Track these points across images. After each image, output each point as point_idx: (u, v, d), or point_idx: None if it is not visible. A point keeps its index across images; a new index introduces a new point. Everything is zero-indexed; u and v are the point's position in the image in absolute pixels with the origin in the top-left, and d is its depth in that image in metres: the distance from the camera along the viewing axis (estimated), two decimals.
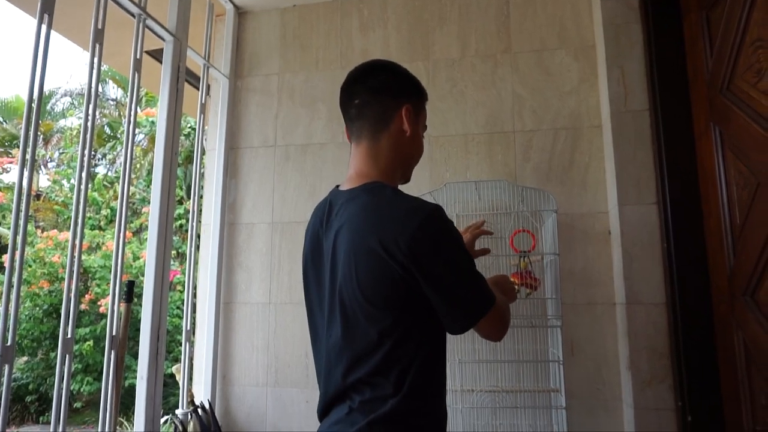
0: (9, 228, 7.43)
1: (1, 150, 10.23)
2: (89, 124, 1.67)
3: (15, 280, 1.40)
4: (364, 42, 2.40)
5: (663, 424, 1.77)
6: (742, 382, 1.56)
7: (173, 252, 6.88)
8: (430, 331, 1.01)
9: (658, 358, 1.81)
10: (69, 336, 1.54)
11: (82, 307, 6.46)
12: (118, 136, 9.50)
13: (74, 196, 1.61)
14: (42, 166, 10.35)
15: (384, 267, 0.95)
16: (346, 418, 0.98)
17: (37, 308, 6.70)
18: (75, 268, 1.58)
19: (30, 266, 6.50)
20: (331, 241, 1.04)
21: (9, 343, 1.37)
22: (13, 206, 1.43)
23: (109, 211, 7.79)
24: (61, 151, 9.18)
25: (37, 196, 10.09)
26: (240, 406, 2.26)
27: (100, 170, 9.69)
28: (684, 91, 1.84)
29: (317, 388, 2.15)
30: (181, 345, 2.27)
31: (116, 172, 9.03)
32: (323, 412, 1.05)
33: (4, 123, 10.74)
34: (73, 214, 1.61)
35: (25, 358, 7.14)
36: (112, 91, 10.58)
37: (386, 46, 2.36)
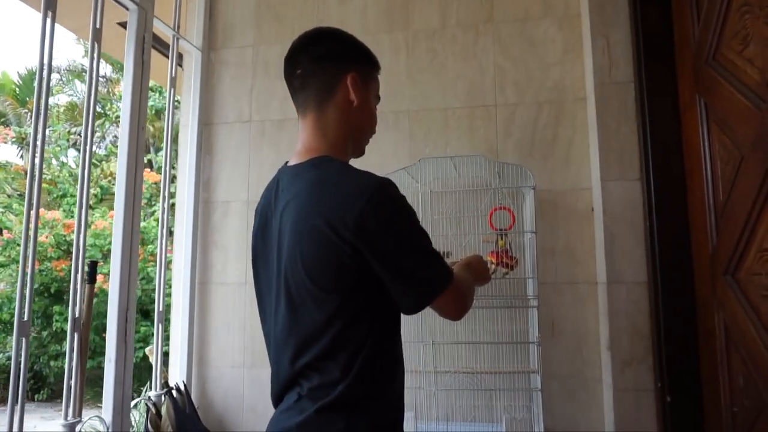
0: (2, 206, 7.34)
1: None
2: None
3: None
4: (341, 12, 2.30)
5: (642, 405, 1.74)
6: (721, 363, 1.52)
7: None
8: (381, 313, 0.95)
9: (639, 338, 1.77)
10: (26, 319, 1.48)
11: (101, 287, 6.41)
12: (108, 113, 9.36)
13: (27, 183, 1.54)
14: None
15: (330, 247, 0.89)
16: (294, 405, 0.93)
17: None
18: (31, 251, 1.52)
19: (18, 245, 6.44)
20: (278, 220, 0.98)
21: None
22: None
23: (99, 189, 7.71)
24: (49, 128, 9.05)
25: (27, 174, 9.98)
26: (217, 387, 2.22)
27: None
28: (670, 62, 1.76)
29: None
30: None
31: (106, 149, 8.91)
32: (277, 399, 1.01)
33: None
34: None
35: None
36: (102, 67, 10.38)
37: (363, 15, 2.26)
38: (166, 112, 2.17)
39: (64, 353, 6.65)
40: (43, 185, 8.15)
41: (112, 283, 1.80)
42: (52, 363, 6.66)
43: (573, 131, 2.03)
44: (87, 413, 1.79)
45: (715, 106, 1.53)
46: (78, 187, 1.72)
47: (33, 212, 1.52)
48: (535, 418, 1.68)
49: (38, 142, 1.55)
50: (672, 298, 1.69)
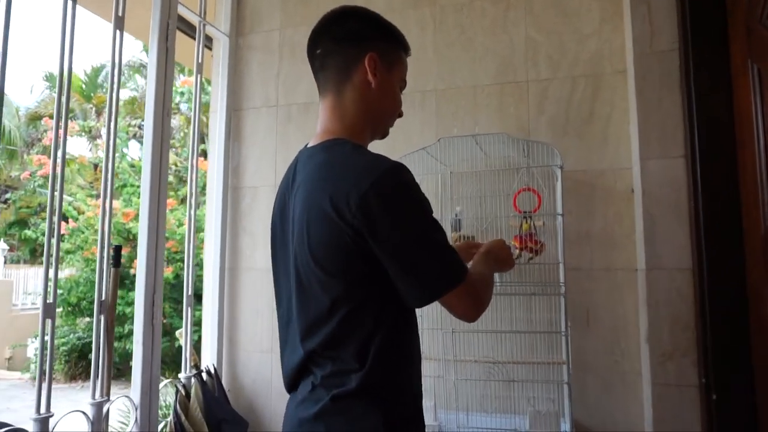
0: (75, 196, 7.79)
1: None
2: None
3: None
4: None
5: (685, 402, 1.60)
6: None
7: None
8: (392, 301, 0.90)
9: (681, 329, 1.62)
10: (51, 301, 1.53)
11: (132, 272, 6.73)
12: None
13: (50, 181, 1.58)
14: (98, 138, 10.79)
15: (335, 230, 0.86)
16: (309, 395, 0.92)
17: (94, 272, 7.07)
18: (55, 235, 1.56)
19: (83, 233, 6.82)
20: (293, 202, 0.96)
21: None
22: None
23: (114, 175, 8.01)
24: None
25: (95, 166, 10.57)
26: (246, 371, 2.24)
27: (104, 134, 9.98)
28: (720, 24, 1.58)
29: None
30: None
31: None
32: (291, 384, 0.99)
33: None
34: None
35: (87, 319, 7.60)
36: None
37: None
38: (194, 98, 2.19)
39: (126, 335, 7.05)
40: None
41: (138, 267, 1.83)
42: (116, 344, 7.06)
43: (611, 107, 1.88)
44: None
45: None
46: (102, 175, 1.76)
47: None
48: (562, 412, 1.58)
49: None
50: (720, 286, 1.54)
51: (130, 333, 6.92)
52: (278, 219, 1.04)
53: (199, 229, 6.68)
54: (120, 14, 1.78)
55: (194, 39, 2.40)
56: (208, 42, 2.39)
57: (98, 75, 11.40)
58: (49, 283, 1.53)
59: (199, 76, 2.19)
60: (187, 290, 2.11)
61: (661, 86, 1.69)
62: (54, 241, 1.56)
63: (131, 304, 6.77)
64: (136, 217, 7.08)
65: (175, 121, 9.17)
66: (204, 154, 9.25)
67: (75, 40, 1.63)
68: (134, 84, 11.43)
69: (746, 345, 1.49)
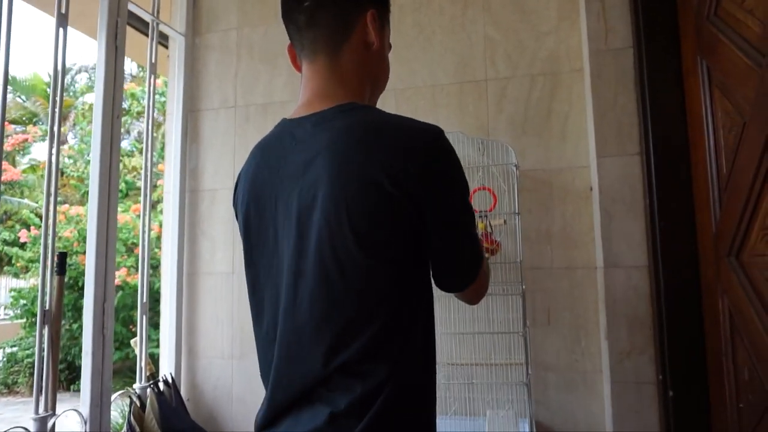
0: (38, 202, 7.57)
1: (23, 128, 10.41)
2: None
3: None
4: None
5: (643, 399, 1.60)
6: (726, 354, 1.37)
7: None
8: (427, 289, 0.80)
9: (638, 327, 1.63)
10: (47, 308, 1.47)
11: None
12: (129, 108, 9.49)
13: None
14: (62, 143, 10.49)
15: (389, 203, 0.72)
16: (328, 428, 0.72)
17: None
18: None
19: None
20: (296, 181, 0.78)
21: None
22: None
23: (123, 184, 7.84)
24: (78, 126, 9.28)
25: (61, 172, 10.28)
26: (206, 379, 2.18)
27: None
28: (672, 22, 1.59)
29: None
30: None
31: (130, 144, 9.04)
32: (283, 413, 0.78)
33: (25, 101, 10.90)
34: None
35: None
36: (126, 64, 10.55)
37: None
38: (147, 98, 2.12)
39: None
40: (71, 182, 8.36)
41: (87, 275, 1.76)
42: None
43: (569, 105, 1.88)
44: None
45: (717, 67, 1.37)
46: (45, 180, 1.68)
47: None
48: (519, 413, 1.56)
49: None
50: (674, 283, 1.54)
51: None
52: (254, 213, 0.85)
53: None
54: (63, 11, 1.71)
55: (145, 35, 2.33)
56: (164, 40, 2.32)
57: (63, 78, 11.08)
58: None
59: (152, 77, 2.12)
60: (142, 297, 2.05)
61: (617, 84, 1.69)
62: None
63: None
64: None
65: (141, 124, 8.99)
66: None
67: (13, 38, 1.56)
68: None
69: (701, 342, 1.49)
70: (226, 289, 2.19)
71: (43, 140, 10.00)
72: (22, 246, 6.90)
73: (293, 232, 0.78)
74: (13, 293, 6.79)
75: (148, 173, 2.09)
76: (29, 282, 7.16)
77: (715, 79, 1.39)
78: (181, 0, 2.31)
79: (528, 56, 1.93)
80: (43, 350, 1.61)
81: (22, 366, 7.65)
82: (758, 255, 1.19)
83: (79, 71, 10.98)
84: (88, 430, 1.71)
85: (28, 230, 6.65)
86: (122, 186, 7.74)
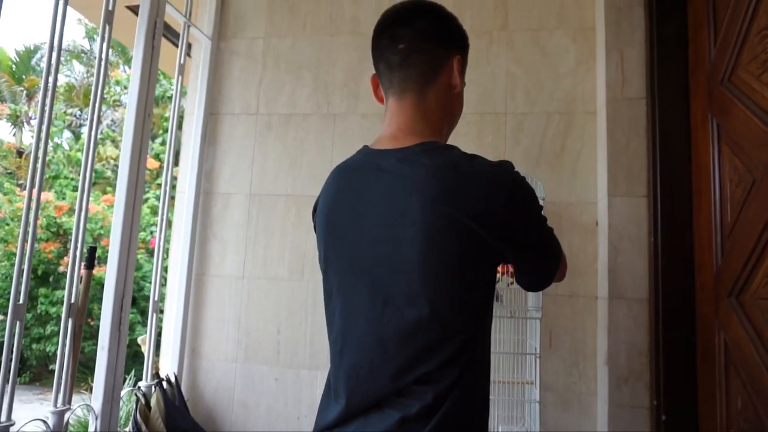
0: None
1: None
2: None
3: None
4: (354, 9, 2.28)
5: (637, 422, 1.73)
6: (720, 384, 1.52)
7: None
8: (491, 307, 0.91)
9: (636, 354, 1.77)
10: (21, 302, 1.45)
11: (61, 269, 6.34)
12: (105, 96, 9.26)
13: (31, 158, 1.51)
14: (25, 123, 10.08)
15: (469, 238, 0.82)
16: (398, 429, 0.80)
17: (13, 267, 6.58)
18: (31, 230, 1.49)
19: (8, 225, 6.36)
20: (379, 211, 0.87)
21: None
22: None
23: (93, 173, 7.62)
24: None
25: (19, 153, 9.86)
26: (208, 380, 2.19)
27: (86, 131, 9.46)
28: (683, 80, 1.76)
29: (288, 367, 2.05)
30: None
31: (102, 133, 8.80)
32: (342, 421, 0.87)
33: None
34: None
35: (0, 317, 7.05)
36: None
37: (377, 15, 2.23)
38: (173, 99, 2.14)
39: (47, 336, 6.59)
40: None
41: (109, 270, 1.77)
42: (34, 346, 6.60)
43: (581, 144, 2.03)
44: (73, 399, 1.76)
45: (728, 127, 1.53)
46: (81, 172, 1.70)
47: (35, 193, 1.49)
48: (530, 430, 1.67)
49: (44, 125, 1.53)
50: (673, 316, 1.69)
51: (52, 334, 6.48)
52: (339, 236, 0.92)
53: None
54: None
55: (171, 42, 2.36)
56: (187, 47, 2.35)
57: (32, 56, 10.67)
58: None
59: (180, 78, 2.15)
60: (154, 295, 2.05)
61: (630, 130, 1.84)
62: (29, 241, 1.48)
63: (56, 303, 6.36)
64: (70, 212, 6.69)
65: (118, 114, 8.75)
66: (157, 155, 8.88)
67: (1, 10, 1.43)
68: (71, 70, 10.80)
69: (693, 372, 1.64)
70: (235, 292, 2.22)
71: (9, 120, 9.60)
72: None
73: (376, 257, 0.86)
74: None
75: (169, 171, 2.11)
76: None
77: (725, 136, 1.55)
78: (210, 4, 2.35)
79: (546, 94, 2.07)
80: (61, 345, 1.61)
81: None
82: (761, 298, 1.34)
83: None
84: (98, 425, 1.71)
85: None
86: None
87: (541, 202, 1.80)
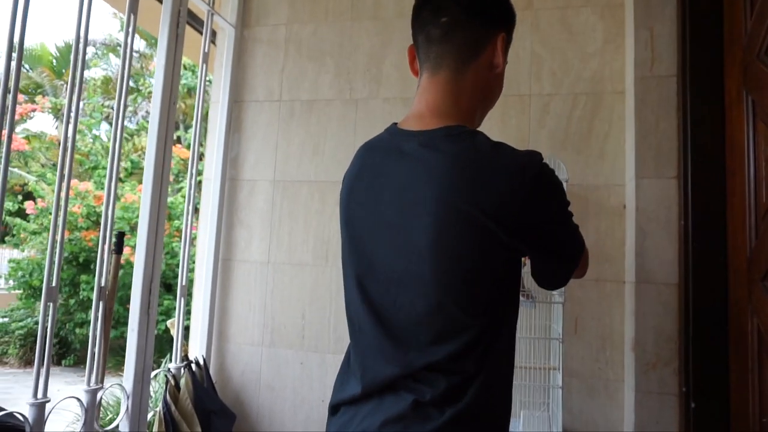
0: (35, 175, 7.56)
1: (26, 98, 10.33)
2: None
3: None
4: None
5: (665, 409, 1.69)
6: (752, 370, 1.47)
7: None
8: (515, 304, 0.88)
9: (664, 340, 1.72)
10: (54, 284, 1.51)
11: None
12: (140, 88, 9.50)
13: (60, 150, 1.56)
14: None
15: (486, 238, 0.79)
16: (412, 413, 0.79)
17: None
18: (61, 218, 1.54)
19: (50, 214, 6.61)
20: (397, 195, 0.85)
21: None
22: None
23: (129, 163, 7.84)
24: (84, 101, 9.24)
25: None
26: (235, 363, 2.24)
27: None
28: (717, 55, 1.68)
29: (313, 351, 2.08)
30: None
31: (137, 124, 9.05)
32: (366, 395, 0.85)
33: (30, 71, 10.82)
34: None
35: None
36: (135, 42, 10.53)
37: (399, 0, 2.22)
38: (198, 88, 2.17)
39: (89, 321, 6.87)
40: (76, 157, 8.33)
41: (137, 255, 1.82)
42: (77, 330, 6.88)
43: (609, 125, 1.97)
44: (109, 381, 1.83)
45: (765, 103, 1.45)
46: (108, 159, 1.74)
47: (65, 181, 1.54)
48: (553, 415, 1.65)
49: (72, 113, 1.58)
50: (704, 301, 1.63)
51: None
52: (357, 216, 0.91)
53: (170, 217, 6.54)
54: None
55: (197, 30, 2.39)
56: (212, 35, 2.38)
57: (70, 50, 11.00)
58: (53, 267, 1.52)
59: (204, 66, 2.18)
60: (182, 280, 2.10)
61: (659, 109, 1.78)
62: (60, 222, 1.53)
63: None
64: None
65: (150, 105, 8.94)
66: (179, 141, 9.08)
67: (33, 8, 1.48)
68: (107, 64, 11.10)
69: (725, 358, 1.59)
70: (260, 278, 2.25)
71: (50, 113, 9.96)
72: (25, 217, 6.88)
73: (391, 244, 0.85)
74: (12, 264, 6.78)
75: (195, 157, 2.15)
76: (30, 253, 7.14)
77: (760, 112, 1.48)
78: None
79: (572, 75, 2.02)
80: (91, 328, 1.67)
81: (13, 337, 7.65)
82: None
83: (87, 44, 10.89)
84: (130, 404, 1.78)
85: (34, 202, 6.63)
86: (128, 165, 7.74)
87: (564, 185, 1.77)
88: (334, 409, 0.91)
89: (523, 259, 1.35)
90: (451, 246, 0.80)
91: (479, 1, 0.90)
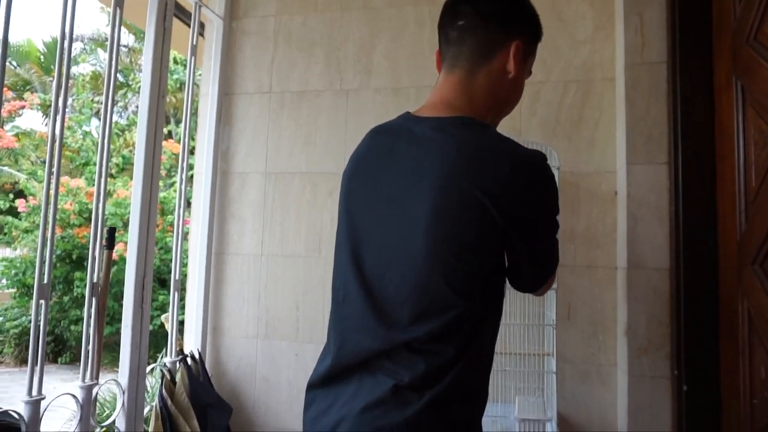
0: (25, 173, 7.49)
1: (14, 95, 10.22)
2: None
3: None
4: None
5: (657, 393, 1.71)
6: (743, 353, 1.48)
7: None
8: (500, 294, 0.91)
9: (656, 325, 1.73)
10: (45, 282, 1.50)
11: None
12: (130, 83, 9.42)
13: (48, 148, 1.54)
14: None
15: (484, 217, 0.81)
16: (391, 397, 0.80)
17: None
18: (51, 215, 1.53)
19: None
20: (404, 176, 0.87)
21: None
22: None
23: (120, 159, 7.79)
24: (73, 97, 9.15)
25: None
26: (230, 357, 2.25)
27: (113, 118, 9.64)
28: (707, 41, 1.68)
29: (306, 342, 2.09)
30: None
31: (128, 119, 8.97)
32: (331, 377, 0.88)
33: (17, 68, 10.69)
34: None
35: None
36: (124, 37, 10.42)
37: None
38: (187, 81, 2.16)
39: (80, 319, 6.84)
40: (66, 153, 8.26)
41: (129, 250, 1.81)
42: (72, 327, 6.86)
43: (599, 112, 1.97)
44: (104, 377, 1.83)
45: (754, 88, 1.46)
46: (98, 155, 1.73)
47: (54, 178, 1.53)
48: (547, 400, 1.67)
49: (59, 109, 1.56)
50: (695, 285, 1.64)
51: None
52: (358, 193, 0.95)
53: (162, 213, 6.50)
54: None
55: (185, 23, 2.37)
56: (200, 27, 2.35)
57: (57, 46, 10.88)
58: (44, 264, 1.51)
59: (193, 59, 2.16)
60: (175, 275, 2.10)
61: (649, 95, 1.78)
62: (50, 220, 1.52)
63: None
64: None
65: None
66: (170, 134, 9.03)
67: (19, 4, 1.46)
68: (96, 59, 10.99)
69: (716, 341, 1.61)
70: (253, 270, 2.25)
71: (39, 110, 9.86)
72: (17, 215, 6.83)
73: (390, 218, 0.88)
74: (4, 263, 6.74)
75: (185, 152, 2.13)
76: (22, 251, 7.10)
77: (750, 98, 1.48)
78: None
79: (563, 62, 2.01)
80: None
81: (8, 336, 7.62)
82: None
83: (74, 40, 10.77)
84: (125, 400, 1.78)
85: (26, 200, 6.58)
86: (119, 160, 7.69)
87: (555, 172, 1.77)
88: (311, 387, 0.93)
89: None
90: (449, 220, 0.82)
91: (496, 8, 0.94)
